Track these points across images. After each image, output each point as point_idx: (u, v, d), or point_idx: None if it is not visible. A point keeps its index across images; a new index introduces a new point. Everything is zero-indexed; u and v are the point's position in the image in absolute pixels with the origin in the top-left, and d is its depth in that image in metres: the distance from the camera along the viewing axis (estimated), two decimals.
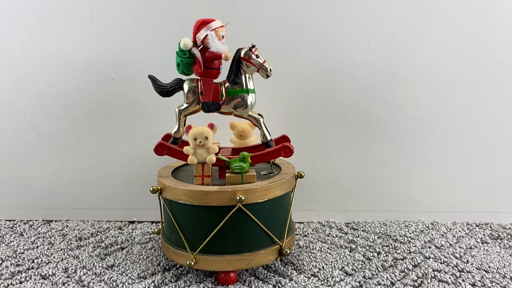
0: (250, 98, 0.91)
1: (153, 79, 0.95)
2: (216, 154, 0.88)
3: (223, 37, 0.90)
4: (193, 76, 0.94)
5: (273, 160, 0.95)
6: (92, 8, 1.14)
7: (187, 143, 0.90)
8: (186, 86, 0.92)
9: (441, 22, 1.09)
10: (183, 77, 0.94)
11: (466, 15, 1.09)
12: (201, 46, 0.90)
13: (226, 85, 0.92)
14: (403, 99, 1.13)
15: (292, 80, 1.14)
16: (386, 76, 1.12)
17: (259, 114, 0.93)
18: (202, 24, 0.89)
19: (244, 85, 0.91)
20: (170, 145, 0.93)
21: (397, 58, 1.11)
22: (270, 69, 0.90)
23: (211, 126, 0.87)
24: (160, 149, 0.92)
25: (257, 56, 0.89)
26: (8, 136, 1.20)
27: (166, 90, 0.94)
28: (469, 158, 1.14)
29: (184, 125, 0.93)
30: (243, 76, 0.91)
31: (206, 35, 0.88)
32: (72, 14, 1.14)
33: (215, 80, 0.92)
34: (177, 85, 0.93)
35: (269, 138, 0.93)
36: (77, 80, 1.17)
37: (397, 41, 1.11)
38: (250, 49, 0.90)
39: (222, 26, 0.90)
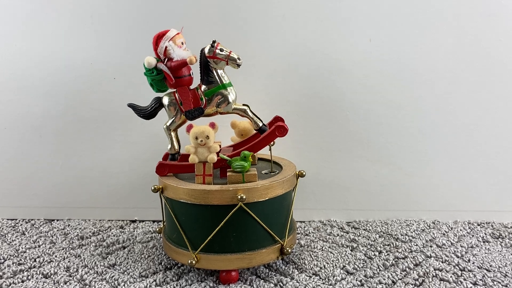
0: (229, 92, 0.91)
1: (133, 106, 0.96)
2: (217, 153, 0.89)
3: (182, 43, 0.91)
4: (170, 90, 0.94)
5: (273, 143, 0.95)
6: (94, 7, 1.14)
7: (186, 156, 0.90)
8: (165, 101, 0.93)
9: (442, 21, 1.09)
10: (162, 94, 0.94)
11: (467, 14, 1.08)
12: (165, 59, 0.90)
13: (202, 88, 0.92)
14: (404, 99, 1.13)
15: (293, 79, 1.14)
16: (387, 75, 1.12)
17: (244, 105, 0.93)
18: (159, 38, 0.90)
19: (219, 82, 0.91)
20: (170, 163, 0.93)
21: (398, 57, 1.11)
22: (238, 58, 0.89)
23: (212, 125, 0.87)
24: (161, 169, 0.93)
25: (221, 50, 0.89)
26: (10, 135, 1.20)
27: (148, 112, 0.95)
28: (470, 157, 1.14)
29: (177, 140, 0.94)
30: (215, 74, 0.91)
31: (166, 46, 0.89)
32: (73, 13, 1.14)
33: (190, 86, 0.92)
34: (157, 104, 0.94)
35: (260, 124, 0.93)
36: (78, 79, 1.17)
37: (398, 40, 1.11)
38: (212, 45, 0.89)
39: (178, 34, 0.90)
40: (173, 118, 0.93)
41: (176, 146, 0.94)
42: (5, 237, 1.12)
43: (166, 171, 0.93)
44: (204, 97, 0.91)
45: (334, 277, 0.89)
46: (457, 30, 1.09)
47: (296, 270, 0.93)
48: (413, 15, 1.09)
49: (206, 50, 0.90)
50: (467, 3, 1.08)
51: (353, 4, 1.10)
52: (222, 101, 0.91)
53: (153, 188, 0.90)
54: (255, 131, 1.04)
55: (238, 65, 0.90)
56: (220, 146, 0.97)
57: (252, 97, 1.09)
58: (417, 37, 1.10)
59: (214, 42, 0.89)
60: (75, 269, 0.95)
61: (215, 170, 0.91)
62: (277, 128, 0.91)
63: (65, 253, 1.02)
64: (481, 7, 1.08)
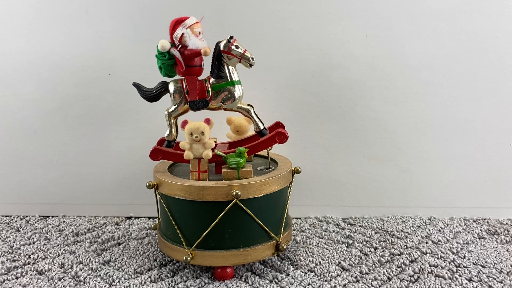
0: (236, 90, 0.91)
1: (137, 86, 0.95)
2: (213, 149, 0.88)
3: (199, 33, 0.90)
4: (177, 76, 0.93)
5: (270, 148, 0.94)
6: (88, 2, 1.13)
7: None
8: (171, 88, 0.92)
9: (439, 17, 1.09)
10: (168, 79, 0.93)
11: (464, 10, 1.08)
12: (180, 46, 0.89)
13: (210, 81, 0.91)
14: (400, 95, 1.12)
15: (289, 75, 1.13)
16: (383, 71, 1.12)
17: (248, 105, 0.93)
18: (177, 23, 0.89)
19: (229, 78, 0.90)
20: (165, 149, 0.92)
21: (394, 53, 1.11)
22: (252, 58, 0.89)
23: (208, 121, 0.87)
24: (155, 154, 0.92)
25: (237, 47, 0.89)
26: (5, 132, 1.20)
27: (152, 95, 0.94)
28: (466, 153, 1.14)
29: (176, 127, 0.93)
30: (226, 69, 0.90)
31: (183, 33, 0.88)
32: (68, 8, 1.14)
33: (199, 77, 0.91)
34: (162, 88, 0.93)
35: (262, 127, 0.93)
36: (73, 75, 1.16)
37: (394, 36, 1.10)
38: (228, 41, 0.89)
39: (197, 22, 0.90)
40: (176, 106, 0.92)
41: (174, 134, 0.93)
42: (0, 233, 1.11)
43: (159, 157, 0.92)
44: (211, 90, 0.91)
45: (329, 273, 0.89)
46: (454, 26, 1.09)
47: (291, 267, 0.93)
48: (410, 11, 1.09)
49: (222, 45, 0.89)
50: None
51: (349, 0, 1.09)
52: (228, 97, 0.91)
53: (148, 184, 0.90)
54: (251, 128, 1.03)
55: (251, 65, 0.89)
56: (215, 142, 0.97)
57: (248, 93, 1.08)
58: (414, 33, 1.10)
59: (231, 37, 0.89)
60: (69, 266, 0.94)
61: (210, 166, 0.91)
62: (278, 134, 0.90)
63: (60, 249, 1.02)
64: (479, 3, 1.08)
